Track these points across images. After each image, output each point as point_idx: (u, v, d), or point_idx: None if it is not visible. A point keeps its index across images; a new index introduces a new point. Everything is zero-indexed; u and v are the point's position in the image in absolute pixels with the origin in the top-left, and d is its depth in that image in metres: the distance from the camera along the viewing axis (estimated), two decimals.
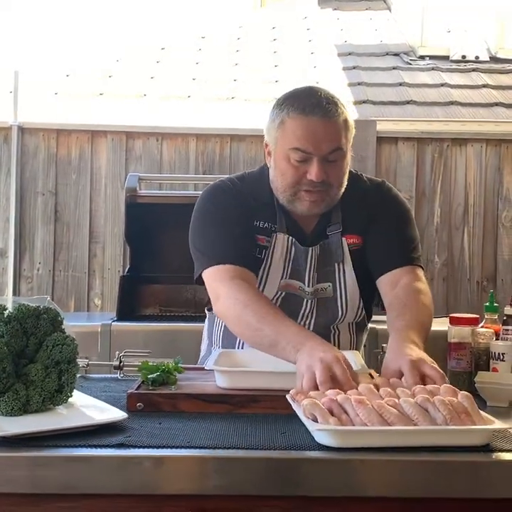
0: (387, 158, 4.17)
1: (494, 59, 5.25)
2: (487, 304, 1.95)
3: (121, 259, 4.10)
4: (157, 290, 3.58)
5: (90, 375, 1.95)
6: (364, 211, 2.04)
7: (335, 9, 6.16)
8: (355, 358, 1.79)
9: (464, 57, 5.22)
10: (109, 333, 3.12)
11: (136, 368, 1.80)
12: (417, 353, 1.66)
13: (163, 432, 1.42)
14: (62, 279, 4.15)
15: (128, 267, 3.64)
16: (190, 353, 2.29)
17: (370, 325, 2.18)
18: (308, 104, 1.89)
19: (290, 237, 2.01)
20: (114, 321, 3.25)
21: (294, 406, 1.44)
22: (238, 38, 5.51)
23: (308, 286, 2.01)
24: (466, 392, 1.42)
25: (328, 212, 2.02)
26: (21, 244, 4.14)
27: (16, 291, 4.10)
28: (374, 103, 4.54)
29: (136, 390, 1.63)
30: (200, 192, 2.12)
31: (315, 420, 1.35)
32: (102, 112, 4.36)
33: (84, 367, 1.93)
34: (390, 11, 6.17)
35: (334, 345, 2.02)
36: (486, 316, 1.95)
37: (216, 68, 4.99)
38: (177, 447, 1.34)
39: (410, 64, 5.15)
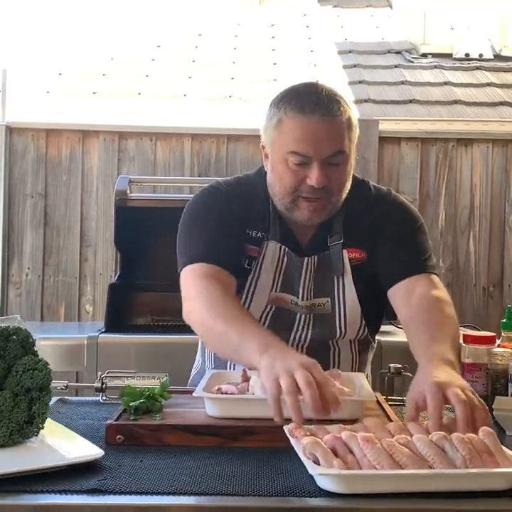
0: (389, 159, 4.02)
1: (498, 57, 5.12)
2: (504, 320, 1.79)
3: (114, 263, 3.94)
4: (149, 298, 3.39)
5: (69, 398, 1.77)
6: (368, 223, 1.87)
7: (335, 6, 6.06)
8: (362, 382, 1.63)
9: (467, 55, 5.08)
10: (95, 346, 2.92)
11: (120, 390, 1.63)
12: (447, 374, 1.43)
13: (144, 473, 1.25)
14: (52, 284, 4.00)
15: (118, 273, 3.46)
16: (184, 367, 2.13)
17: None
18: (308, 101, 1.73)
19: (283, 247, 1.84)
20: (101, 333, 3.05)
21: (293, 442, 1.27)
22: (236, 35, 5.40)
23: (303, 299, 1.84)
24: (488, 428, 1.26)
25: (329, 222, 1.85)
26: (9, 249, 3.99)
27: (3, 298, 3.95)
28: (375, 102, 4.40)
29: (116, 419, 1.45)
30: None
31: (316, 461, 1.18)
32: (95, 111, 4.23)
33: (62, 389, 1.76)
34: (391, 7, 6.04)
35: (334, 364, 1.86)
36: (503, 334, 1.78)
37: (213, 66, 4.87)
38: (159, 493, 1.16)
39: (412, 62, 5.02)
